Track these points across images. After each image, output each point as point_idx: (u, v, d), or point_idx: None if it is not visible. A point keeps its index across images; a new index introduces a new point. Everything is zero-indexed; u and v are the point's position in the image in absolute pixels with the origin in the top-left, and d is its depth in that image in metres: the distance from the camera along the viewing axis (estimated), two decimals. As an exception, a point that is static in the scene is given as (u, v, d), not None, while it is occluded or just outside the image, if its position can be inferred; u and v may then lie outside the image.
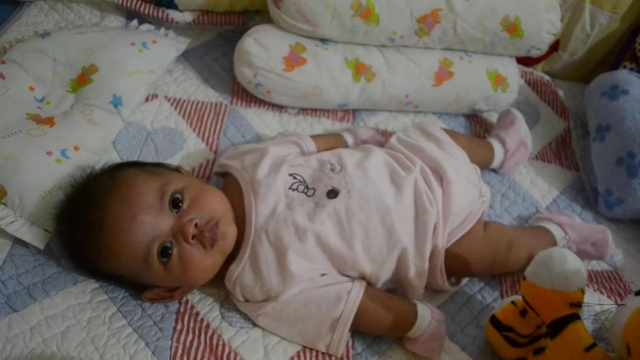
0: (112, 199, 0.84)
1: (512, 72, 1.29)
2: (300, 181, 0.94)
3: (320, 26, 1.14)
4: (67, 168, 0.96)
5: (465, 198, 0.99)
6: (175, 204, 0.86)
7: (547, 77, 1.46)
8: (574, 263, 0.84)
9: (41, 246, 0.92)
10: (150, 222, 0.83)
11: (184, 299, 0.93)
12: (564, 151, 1.33)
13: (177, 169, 0.97)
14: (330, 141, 1.11)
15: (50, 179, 0.94)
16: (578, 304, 0.84)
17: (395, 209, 0.92)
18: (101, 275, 0.91)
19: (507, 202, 1.19)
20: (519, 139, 1.21)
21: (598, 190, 1.22)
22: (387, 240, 0.91)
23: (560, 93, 1.44)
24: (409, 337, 0.91)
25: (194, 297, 0.93)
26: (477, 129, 1.32)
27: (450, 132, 1.13)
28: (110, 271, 0.88)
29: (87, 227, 0.84)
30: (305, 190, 0.93)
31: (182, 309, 0.91)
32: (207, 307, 0.93)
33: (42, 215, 0.92)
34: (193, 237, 0.84)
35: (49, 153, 0.95)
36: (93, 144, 1.01)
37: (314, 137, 1.10)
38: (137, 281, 0.88)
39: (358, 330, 0.91)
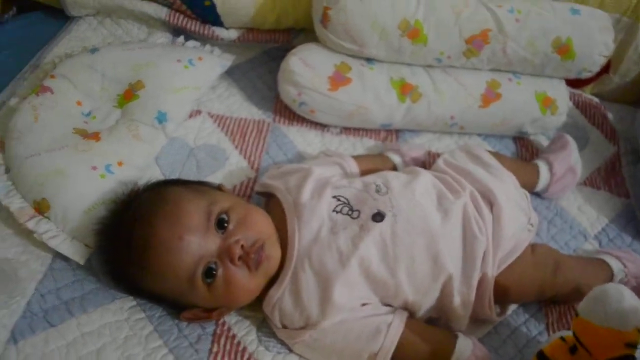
0: (159, 217, 0.83)
1: (561, 94, 1.25)
2: (344, 203, 0.92)
3: (367, 46, 1.12)
4: (110, 184, 0.96)
5: (515, 225, 0.96)
6: (221, 224, 0.85)
7: (596, 100, 1.41)
8: (631, 300, 0.80)
9: (82, 261, 0.92)
10: (197, 242, 0.82)
11: (221, 320, 0.91)
12: (614, 177, 1.28)
13: (219, 188, 0.96)
14: (374, 162, 1.09)
15: (94, 194, 0.94)
16: (634, 345, 0.79)
17: (443, 234, 0.90)
18: (141, 293, 0.90)
19: (554, 229, 1.15)
20: (569, 164, 1.17)
21: (652, 220, 1.17)
22: (432, 268, 0.88)
23: (610, 116, 1.38)
24: None
25: (231, 319, 0.92)
26: (523, 153, 1.28)
27: (495, 154, 1.10)
28: (151, 290, 0.87)
29: (132, 244, 0.84)
30: (350, 212, 0.90)
31: (218, 331, 0.90)
32: (244, 330, 0.91)
33: (84, 230, 0.92)
34: (239, 258, 0.83)
35: (94, 168, 0.96)
36: (137, 159, 1.02)
37: (357, 158, 1.08)
38: (178, 301, 0.87)
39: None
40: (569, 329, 0.98)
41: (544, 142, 1.30)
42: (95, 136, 1.01)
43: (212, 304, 0.87)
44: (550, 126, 1.27)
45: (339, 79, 1.13)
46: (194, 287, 0.83)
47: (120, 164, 0.99)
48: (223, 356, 0.87)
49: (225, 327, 0.91)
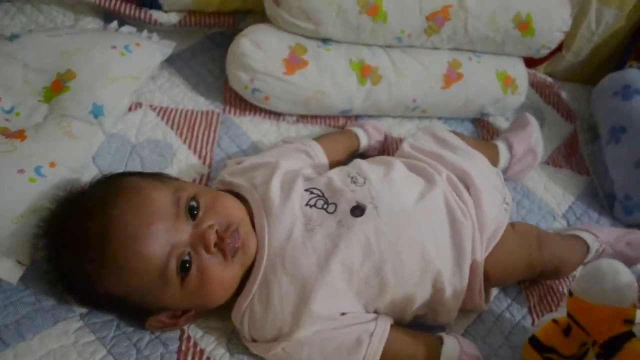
0: (120, 206, 0.72)
1: (521, 73, 1.23)
2: (318, 195, 0.83)
3: (323, 24, 1.04)
4: (42, 188, 0.82)
5: (494, 206, 0.91)
6: (191, 211, 0.75)
7: (549, 79, 1.40)
8: (626, 276, 0.76)
9: (14, 281, 0.79)
10: (168, 231, 0.72)
11: (185, 335, 0.80)
12: (574, 156, 1.28)
13: (176, 179, 0.86)
14: (340, 140, 1.01)
15: (23, 201, 0.80)
16: (631, 321, 0.76)
17: (428, 225, 0.83)
18: (98, 299, 0.78)
19: (523, 210, 1.12)
20: (529, 145, 1.14)
21: (615, 196, 1.16)
22: (420, 262, 0.81)
23: (564, 95, 1.38)
24: None
25: (196, 333, 0.81)
26: (484, 134, 1.25)
27: (458, 134, 1.05)
28: (112, 292, 0.74)
29: (87, 241, 0.72)
30: (325, 206, 0.82)
31: (183, 347, 0.79)
32: (212, 344, 0.80)
33: (14, 244, 0.79)
34: (215, 245, 0.73)
35: (21, 171, 0.82)
36: (72, 159, 0.89)
37: (320, 140, 1.00)
38: (143, 302, 0.75)
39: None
40: (550, 310, 0.97)
41: (502, 123, 1.27)
42: (20, 134, 0.87)
43: (184, 304, 0.77)
44: (511, 106, 1.24)
45: (294, 62, 1.04)
46: (166, 283, 0.72)
47: (52, 164, 0.85)
48: (192, 375, 0.76)
49: (191, 343, 0.80)
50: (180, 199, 0.75)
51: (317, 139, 1.02)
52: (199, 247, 0.73)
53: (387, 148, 1.13)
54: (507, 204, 0.95)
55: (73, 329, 0.78)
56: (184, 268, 0.73)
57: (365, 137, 1.07)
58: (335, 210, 0.81)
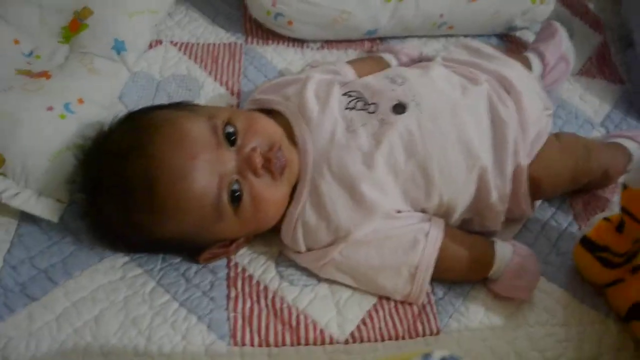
0: (157, 144, 0.69)
1: (548, -19, 1.17)
2: (357, 97, 0.80)
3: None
4: (72, 125, 0.81)
5: (536, 109, 0.88)
6: (229, 137, 0.72)
7: (575, -10, 1.34)
8: None
9: (55, 219, 0.78)
10: (212, 160, 0.69)
11: (233, 263, 0.79)
12: (606, 66, 1.22)
13: (205, 106, 0.83)
14: (369, 64, 0.97)
15: (56, 138, 0.79)
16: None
17: (472, 122, 0.80)
18: (150, 245, 0.76)
19: (560, 121, 1.08)
20: (560, 53, 1.09)
21: (653, 100, 1.12)
22: (466, 158, 0.79)
23: (591, 6, 1.32)
24: (491, 278, 0.80)
25: (243, 259, 0.80)
26: (513, 50, 1.19)
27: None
28: (165, 236, 0.72)
29: (130, 186, 0.69)
30: (366, 107, 0.79)
31: (232, 274, 0.78)
32: (260, 268, 0.80)
33: (52, 182, 0.78)
34: (262, 167, 0.71)
35: (50, 108, 0.80)
36: (99, 95, 0.87)
37: (351, 63, 0.96)
38: (198, 239, 0.74)
39: (433, 277, 0.78)
40: (595, 215, 0.94)
41: (531, 38, 1.22)
42: (45, 74, 0.86)
43: (239, 232, 0.76)
44: (540, 17, 1.18)
45: (317, -19, 1.00)
46: (220, 216, 0.71)
47: (80, 101, 0.84)
48: (245, 300, 0.76)
49: (239, 269, 0.79)
50: (217, 126, 0.72)
51: (347, 62, 0.98)
52: (246, 172, 0.71)
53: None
54: (548, 109, 0.92)
55: (119, 264, 0.77)
56: (235, 198, 0.71)
57: (395, 61, 1.03)
58: (376, 109, 0.79)
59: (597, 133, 1.08)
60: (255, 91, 0.89)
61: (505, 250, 0.80)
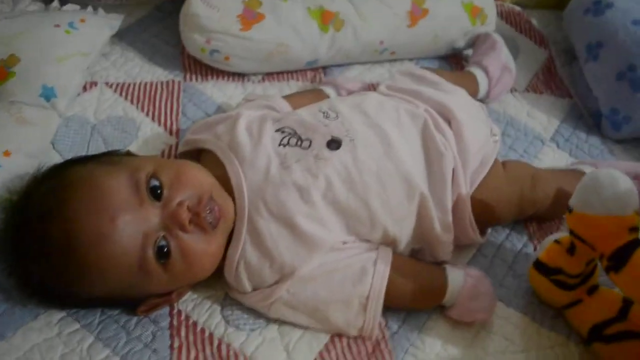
0: (76, 206, 0.66)
1: (488, 2, 1.19)
2: (290, 133, 0.78)
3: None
4: (-1, 178, 0.77)
5: (478, 138, 0.86)
6: (154, 192, 0.68)
7: (517, 8, 1.36)
8: (625, 183, 0.73)
9: (-18, 281, 0.74)
10: (134, 220, 0.66)
11: (175, 310, 0.76)
12: (552, 80, 1.23)
13: (127, 153, 0.80)
14: (308, 97, 0.95)
15: (-21, 196, 0.75)
16: (636, 228, 0.73)
17: (408, 153, 0.79)
18: (76, 304, 0.73)
19: (510, 139, 1.08)
20: (502, 63, 1.10)
21: (601, 112, 1.12)
22: (405, 189, 0.77)
23: (534, 22, 1.34)
24: (446, 305, 0.78)
25: (187, 306, 0.76)
26: (457, 70, 1.19)
27: (435, 71, 1.01)
28: (91, 296, 0.70)
29: (49, 250, 0.66)
30: (299, 143, 0.77)
31: (175, 322, 0.74)
32: (205, 314, 0.76)
33: (-24, 241, 0.73)
34: (190, 222, 0.68)
35: (-27, 163, 0.76)
36: (27, 146, 0.83)
37: (288, 98, 0.94)
38: (130, 296, 0.71)
39: (385, 306, 0.76)
40: (550, 233, 0.92)
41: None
42: (-31, 127, 0.81)
43: (172, 286, 0.72)
44: (481, 37, 1.18)
45: (250, 16, 0.99)
46: (147, 274, 0.67)
47: (6, 153, 0.80)
48: (189, 350, 0.72)
49: (182, 317, 0.75)
50: (139, 181, 0.68)
51: (284, 96, 0.96)
52: (173, 228, 0.68)
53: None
54: (494, 135, 0.91)
55: (56, 319, 0.73)
56: (162, 254, 0.67)
57: (334, 93, 1.01)
58: (310, 145, 0.77)
59: (547, 149, 1.08)
60: (188, 132, 0.87)
61: (456, 275, 0.78)
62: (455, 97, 0.92)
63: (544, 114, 1.14)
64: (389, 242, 0.78)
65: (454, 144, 0.83)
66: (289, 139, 0.77)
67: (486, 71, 1.08)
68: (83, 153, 0.90)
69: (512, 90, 1.16)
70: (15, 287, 0.74)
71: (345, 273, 0.73)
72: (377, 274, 0.73)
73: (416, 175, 0.78)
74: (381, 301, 0.73)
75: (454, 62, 1.21)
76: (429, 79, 0.95)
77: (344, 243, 0.75)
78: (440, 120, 0.85)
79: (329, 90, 1.00)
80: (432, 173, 0.80)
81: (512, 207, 0.88)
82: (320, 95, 0.98)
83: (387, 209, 0.76)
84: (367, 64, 1.15)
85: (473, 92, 1.06)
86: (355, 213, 0.75)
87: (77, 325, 0.73)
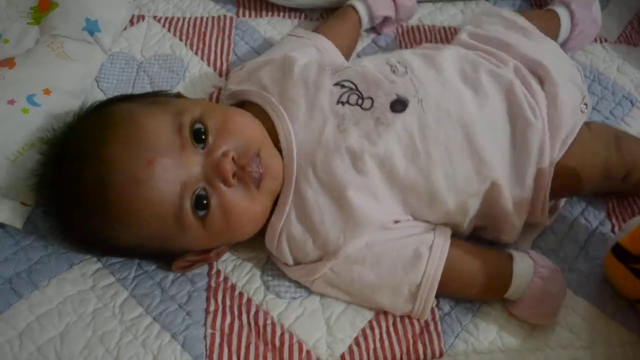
0: (112, 145, 0.62)
1: None
2: (350, 89, 0.70)
3: None
4: (37, 119, 0.74)
5: (572, 104, 0.76)
6: (198, 136, 0.63)
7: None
8: None
9: (19, 225, 0.72)
10: (174, 165, 0.61)
11: (214, 270, 0.72)
12: (651, 30, 1.08)
13: (177, 95, 0.74)
14: (344, 29, 0.88)
15: (18, 135, 0.72)
16: None
17: (484, 121, 0.69)
18: (112, 251, 0.70)
19: (594, 98, 0.95)
20: (591, 13, 0.96)
21: None
22: (477, 166, 0.68)
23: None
24: (508, 299, 0.70)
25: (227, 266, 0.73)
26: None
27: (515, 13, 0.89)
28: (125, 244, 0.66)
29: (84, 191, 0.62)
30: (360, 101, 0.69)
31: (212, 283, 0.71)
32: (245, 277, 0.72)
33: (15, 184, 0.71)
34: (233, 175, 0.62)
35: (11, 102, 0.74)
36: (69, 84, 0.79)
37: (321, 30, 0.86)
38: (165, 249, 0.67)
39: (438, 295, 0.69)
40: (633, 213, 0.83)
41: None
42: (9, 62, 0.79)
43: (210, 243, 0.68)
44: (574, -24, 1.04)
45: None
46: (183, 227, 0.63)
47: (47, 91, 0.76)
48: (224, 315, 0.68)
49: (221, 278, 0.72)
50: (183, 124, 0.63)
51: (316, 29, 0.88)
52: (215, 180, 0.62)
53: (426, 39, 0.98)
54: (585, 104, 0.79)
55: (91, 271, 0.71)
56: (200, 206, 0.62)
57: (363, 8, 0.91)
58: (371, 105, 0.68)
59: (638, 111, 0.95)
60: (228, 82, 0.80)
61: (524, 269, 0.68)
62: (550, 51, 0.81)
63: (637, 70, 1.00)
64: (449, 222, 0.71)
65: (544, 108, 0.73)
66: (348, 96, 0.69)
67: (572, 15, 0.94)
68: (128, 92, 0.85)
69: (602, 40, 1.03)
70: (50, 231, 0.73)
71: (397, 256, 0.66)
72: (431, 260, 0.66)
73: (492, 152, 0.69)
74: (434, 291, 0.66)
75: (539, 5, 1.07)
76: (520, 24, 0.84)
77: (396, 222, 0.68)
78: (532, 80, 0.75)
79: (358, 4, 0.91)
80: (515, 145, 0.71)
81: (598, 172, 0.77)
82: (350, 17, 0.90)
83: (452, 185, 0.68)
84: (438, 3, 1.04)
85: (552, 37, 0.92)
86: (414, 188, 0.67)
87: (112, 279, 0.70)
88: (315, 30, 0.87)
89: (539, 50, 0.78)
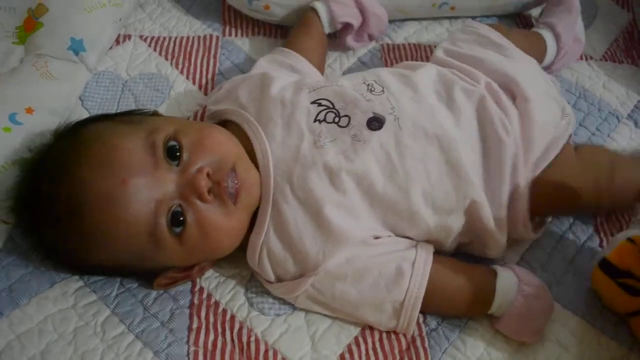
0: (86, 165, 0.61)
1: (565, -47, 1.03)
2: (328, 107, 0.70)
3: None
4: (19, 137, 0.74)
5: (547, 119, 0.75)
6: (172, 153, 0.63)
7: (599, -39, 1.20)
8: None
9: (0, 243, 0.71)
10: (146, 184, 0.61)
11: (197, 287, 0.71)
12: (634, 48, 1.09)
13: (154, 114, 0.74)
14: (310, 39, 0.88)
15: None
16: None
17: (460, 139, 0.69)
18: (91, 271, 0.70)
19: (581, 114, 0.95)
20: (575, 34, 0.97)
21: (691, 87, 0.98)
22: (455, 182, 0.68)
23: (618, -21, 1.18)
24: (493, 315, 0.69)
25: (210, 283, 0.72)
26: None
27: (496, 28, 0.89)
28: (103, 264, 0.66)
29: (58, 213, 0.62)
30: (337, 119, 0.69)
31: (196, 301, 0.70)
32: (228, 294, 0.71)
33: (-4, 202, 0.70)
34: (209, 191, 0.62)
35: (-6, 120, 0.73)
36: (52, 102, 0.79)
37: (290, 44, 0.87)
38: (143, 268, 0.66)
39: (421, 311, 0.68)
40: (621, 227, 0.82)
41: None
42: (-7, 81, 0.77)
43: (189, 260, 0.67)
44: (556, -6, 1.05)
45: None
46: (159, 244, 0.62)
47: (29, 110, 0.76)
48: (207, 332, 0.67)
49: (204, 295, 0.71)
50: (156, 142, 0.62)
51: (286, 44, 0.88)
52: (191, 196, 0.62)
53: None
54: (567, 115, 0.79)
55: (72, 289, 0.70)
56: (176, 222, 0.62)
57: (324, 9, 0.91)
58: (348, 123, 0.68)
59: (624, 127, 0.95)
60: (208, 102, 0.80)
61: (508, 285, 0.67)
62: (523, 67, 0.80)
63: (623, 87, 1.01)
64: (431, 239, 0.70)
65: (517, 125, 0.73)
66: (325, 114, 0.69)
67: (558, 38, 0.94)
68: (113, 110, 0.85)
69: (587, 57, 1.03)
70: (32, 249, 0.72)
71: (379, 273, 0.65)
72: (414, 277, 0.65)
73: (470, 166, 0.69)
74: (418, 307, 0.65)
75: (523, 24, 1.08)
76: (495, 40, 0.84)
77: (377, 238, 0.67)
78: (503, 96, 0.75)
79: (319, 6, 0.91)
80: (488, 161, 0.71)
81: (587, 197, 0.76)
82: (313, 23, 0.90)
83: (430, 202, 0.68)
84: (424, 22, 1.04)
85: (538, 58, 0.92)
86: (394, 205, 0.67)
87: (93, 297, 0.69)
88: (285, 46, 0.87)
89: (511, 67, 0.79)
